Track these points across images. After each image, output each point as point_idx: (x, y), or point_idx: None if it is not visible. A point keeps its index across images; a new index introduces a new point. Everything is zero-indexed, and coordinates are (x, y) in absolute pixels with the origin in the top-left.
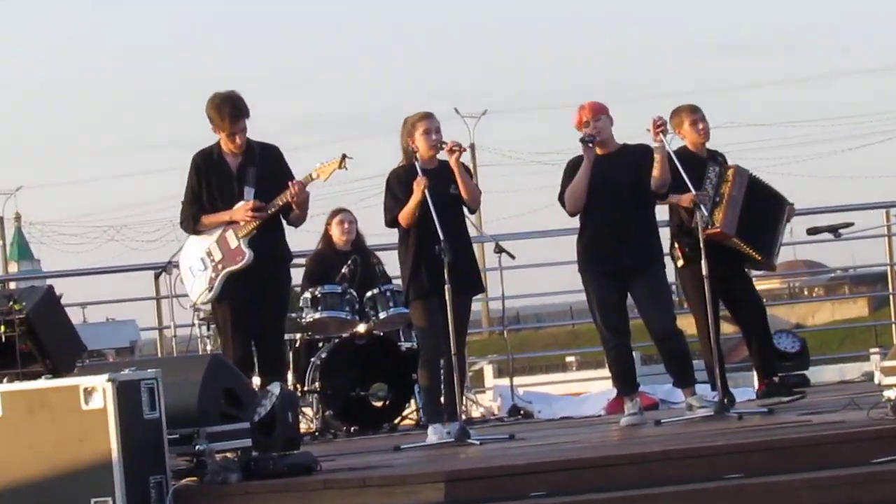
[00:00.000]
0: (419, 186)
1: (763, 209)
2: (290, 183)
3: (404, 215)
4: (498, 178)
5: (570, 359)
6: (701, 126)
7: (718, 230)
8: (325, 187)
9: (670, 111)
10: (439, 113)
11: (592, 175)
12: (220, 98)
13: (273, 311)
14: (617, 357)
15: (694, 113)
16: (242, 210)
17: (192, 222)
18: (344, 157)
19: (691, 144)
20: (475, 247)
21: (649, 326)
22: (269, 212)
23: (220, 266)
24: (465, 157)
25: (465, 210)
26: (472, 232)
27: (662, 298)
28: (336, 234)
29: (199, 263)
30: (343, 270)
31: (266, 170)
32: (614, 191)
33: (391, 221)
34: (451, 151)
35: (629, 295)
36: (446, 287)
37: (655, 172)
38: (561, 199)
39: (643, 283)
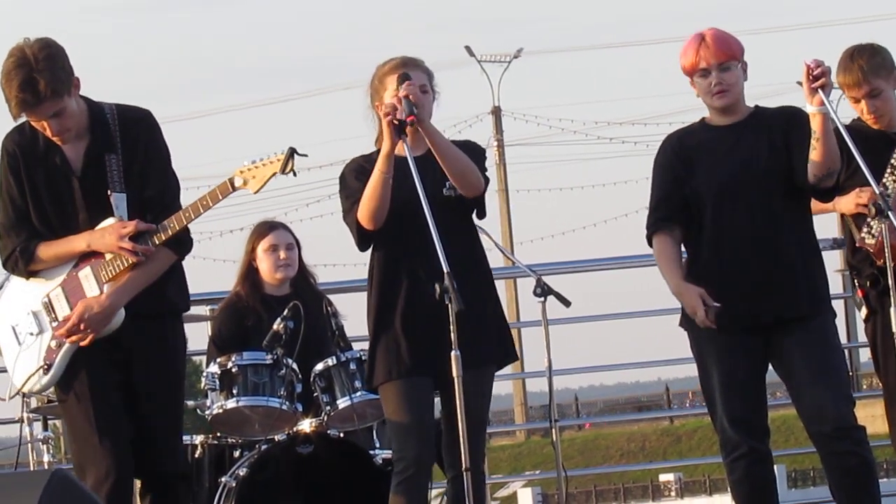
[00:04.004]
0: (388, 124)
1: None
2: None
3: (366, 205)
4: (539, 169)
5: (665, 477)
6: (867, 106)
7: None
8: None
9: (840, 55)
10: (442, 56)
11: (709, 161)
12: (10, 64)
13: (158, 392)
14: (747, 473)
15: (857, 86)
16: (114, 234)
17: (22, 258)
18: (293, 154)
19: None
20: (501, 286)
21: (809, 417)
22: (158, 240)
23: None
24: (484, 132)
25: (474, 217)
26: (493, 260)
27: (831, 371)
28: (265, 268)
29: (29, 322)
30: (275, 327)
31: (136, 157)
32: (748, 187)
33: (363, 235)
34: (388, 124)
35: (770, 366)
36: (453, 356)
37: (815, 155)
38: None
39: (799, 344)
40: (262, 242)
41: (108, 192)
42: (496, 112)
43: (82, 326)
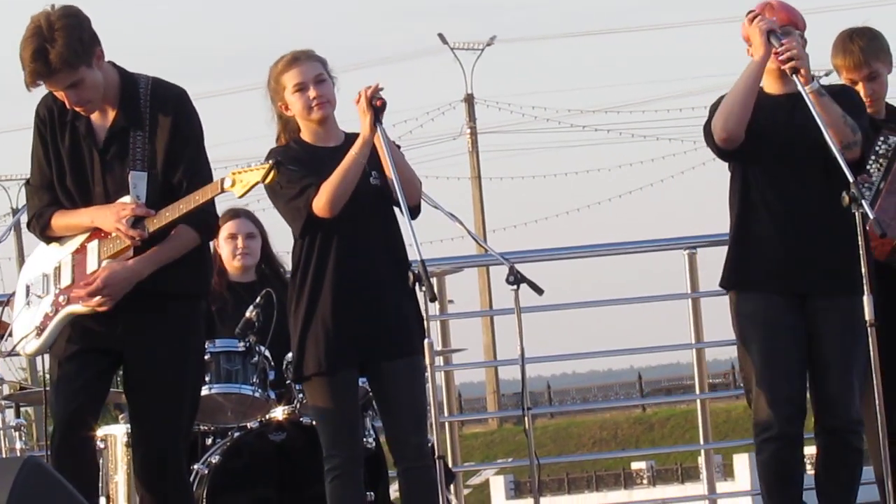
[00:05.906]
0: (368, 106)
1: None
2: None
3: (332, 191)
4: (512, 156)
5: (638, 465)
6: (864, 89)
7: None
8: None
9: (835, 38)
10: (416, 44)
11: (766, 126)
12: (27, 31)
13: (158, 381)
14: (775, 458)
15: (857, 69)
16: (113, 215)
17: (38, 224)
18: (277, 165)
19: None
20: (473, 274)
21: (825, 408)
22: (150, 231)
23: (62, 299)
24: (457, 119)
25: (405, 213)
26: (466, 248)
27: (856, 364)
28: (225, 255)
29: (40, 284)
30: (248, 315)
31: (163, 137)
32: (803, 156)
33: (312, 222)
34: (369, 107)
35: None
36: (426, 343)
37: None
38: (707, 129)
39: (833, 330)
40: (222, 229)
41: (127, 171)
42: (469, 100)
43: (106, 291)
